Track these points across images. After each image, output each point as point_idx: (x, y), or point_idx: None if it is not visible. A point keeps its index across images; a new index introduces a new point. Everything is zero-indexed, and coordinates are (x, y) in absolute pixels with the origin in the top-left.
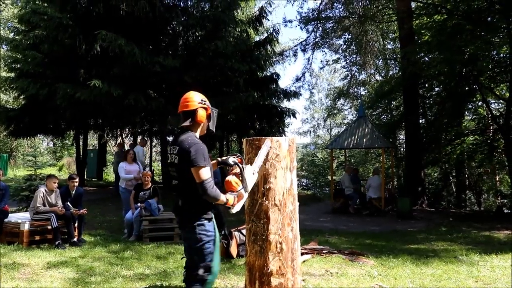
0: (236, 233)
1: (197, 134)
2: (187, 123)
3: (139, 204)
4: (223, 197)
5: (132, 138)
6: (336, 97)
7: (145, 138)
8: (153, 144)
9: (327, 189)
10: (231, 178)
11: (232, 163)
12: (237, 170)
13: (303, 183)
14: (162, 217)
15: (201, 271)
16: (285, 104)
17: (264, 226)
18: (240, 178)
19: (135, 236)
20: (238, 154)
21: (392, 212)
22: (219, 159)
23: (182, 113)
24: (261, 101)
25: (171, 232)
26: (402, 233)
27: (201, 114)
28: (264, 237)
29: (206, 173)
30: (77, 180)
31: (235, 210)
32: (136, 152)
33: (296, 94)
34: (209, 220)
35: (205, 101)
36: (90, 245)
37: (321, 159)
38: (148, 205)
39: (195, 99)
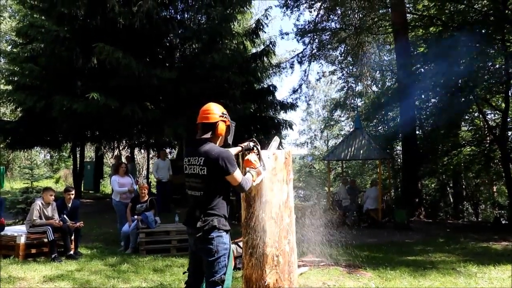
0: (233, 246)
1: (217, 145)
2: (208, 135)
3: (135, 217)
4: (251, 180)
5: (129, 150)
6: (333, 109)
7: (164, 149)
8: (150, 156)
9: (324, 200)
10: (251, 157)
11: (252, 146)
12: (255, 150)
13: (300, 195)
14: (159, 229)
15: (215, 285)
16: (282, 115)
17: (260, 239)
18: (258, 157)
19: (132, 249)
20: (253, 139)
21: (390, 223)
22: (242, 145)
23: (201, 124)
24: (258, 113)
25: (168, 244)
26: (399, 244)
27: (222, 127)
28: (261, 250)
29: (240, 175)
30: (73, 192)
31: (255, 183)
32: (156, 165)
33: (292, 106)
34: (227, 232)
35: (225, 114)
36: (87, 258)
37: (318, 170)
38: (145, 217)
39: (216, 111)
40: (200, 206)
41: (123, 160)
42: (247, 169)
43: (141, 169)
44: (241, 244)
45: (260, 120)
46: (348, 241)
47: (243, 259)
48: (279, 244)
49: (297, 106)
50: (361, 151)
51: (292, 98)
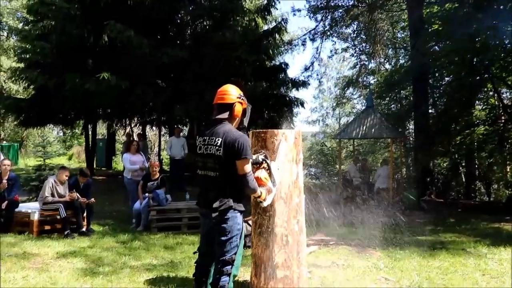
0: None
1: (233, 126)
2: (225, 115)
3: (147, 194)
4: (259, 190)
5: (140, 128)
6: (345, 86)
7: (179, 127)
8: (162, 133)
9: (335, 178)
10: (260, 174)
11: (262, 160)
12: (265, 165)
13: (311, 173)
14: (169, 207)
15: (225, 264)
16: (294, 93)
17: (270, 219)
18: (268, 173)
19: (143, 226)
20: (262, 151)
21: (400, 203)
22: (250, 159)
23: (217, 105)
24: (269, 91)
25: (179, 222)
26: (409, 224)
27: (238, 109)
28: (270, 230)
29: (249, 167)
30: (88, 177)
31: (266, 203)
32: (170, 143)
33: (304, 84)
34: (241, 213)
35: (242, 96)
36: (99, 235)
37: (330, 149)
38: (156, 195)
39: (233, 93)
40: (216, 187)
41: (135, 137)
42: (260, 188)
43: (153, 147)
44: (250, 222)
45: (271, 98)
46: (357, 220)
47: (252, 238)
48: (288, 224)
49: (309, 84)
50: (373, 130)
51: (304, 76)
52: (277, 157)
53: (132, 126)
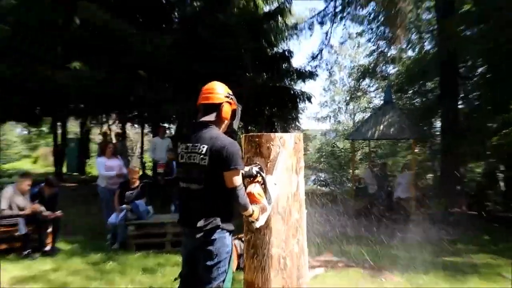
0: (236, 242)
1: (221, 131)
2: (211, 117)
3: (124, 206)
4: (251, 208)
5: (120, 125)
6: (360, 77)
7: (164, 125)
8: (145, 132)
9: (349, 185)
10: (254, 189)
11: (256, 173)
12: (259, 179)
13: (321, 178)
14: (151, 221)
15: None
16: (300, 86)
17: (265, 238)
18: (263, 188)
19: (120, 244)
20: (257, 162)
21: (424, 215)
22: (242, 171)
23: (202, 106)
24: (271, 83)
25: (162, 238)
26: (435, 242)
27: (227, 110)
28: (265, 251)
29: (239, 179)
30: (56, 188)
31: (259, 224)
32: (154, 144)
33: (312, 75)
34: (230, 232)
35: (231, 95)
36: (66, 254)
37: (342, 150)
38: (135, 207)
39: (220, 91)
40: (201, 202)
41: (112, 137)
42: (252, 205)
43: (134, 148)
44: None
45: (273, 92)
46: (373, 236)
47: (244, 260)
48: (287, 244)
49: (317, 75)
50: (392, 129)
51: (311, 66)
52: (275, 169)
53: (110, 123)
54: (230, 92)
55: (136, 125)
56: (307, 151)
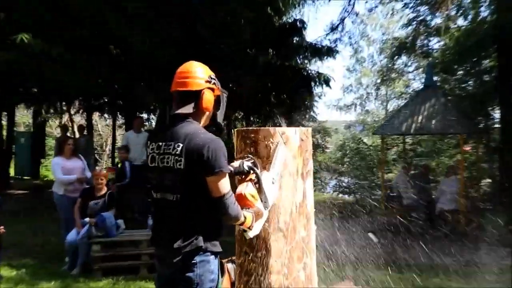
0: (229, 265)
1: (201, 125)
2: (188, 109)
3: (87, 219)
4: (242, 215)
5: (85, 115)
6: (395, 54)
7: (141, 116)
8: (118, 123)
9: (378, 192)
10: (246, 189)
11: (248, 169)
12: (252, 177)
13: (343, 184)
14: (122, 238)
15: None
16: (316, 66)
17: (262, 262)
18: (257, 188)
19: (81, 267)
20: (249, 155)
21: (479, 233)
22: (230, 167)
23: (178, 93)
24: (277, 62)
25: (136, 261)
26: (491, 268)
27: (208, 98)
28: (261, 279)
29: (227, 184)
30: None
31: (252, 233)
32: (126, 140)
33: (330, 51)
34: (216, 255)
35: (214, 79)
36: (10, 283)
37: (371, 148)
38: (101, 220)
39: (199, 75)
40: (178, 217)
41: (75, 131)
42: (243, 210)
43: (104, 144)
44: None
45: (281, 73)
46: (407, 260)
47: None
48: (290, 270)
49: (337, 52)
50: (434, 121)
51: (329, 40)
52: (273, 164)
53: (72, 113)
54: (213, 75)
55: (106, 116)
56: (325, 148)
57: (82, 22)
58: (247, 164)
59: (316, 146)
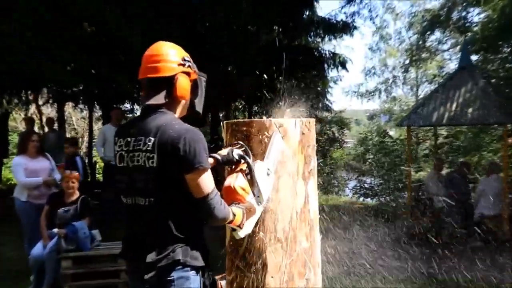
0: (223, 283)
1: (177, 116)
2: (159, 99)
3: (56, 230)
4: (231, 212)
5: (56, 106)
6: (426, 30)
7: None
8: (95, 116)
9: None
10: (236, 182)
11: (238, 158)
12: (244, 167)
13: (365, 185)
14: (97, 252)
15: None
16: (330, 45)
17: (257, 278)
18: (249, 180)
19: (49, 287)
20: (240, 142)
21: None
22: (217, 155)
23: (148, 81)
24: (284, 42)
25: (114, 279)
26: None
27: (183, 84)
28: None
29: (210, 182)
30: None
31: (243, 233)
32: (103, 135)
33: (347, 27)
34: (197, 270)
35: (188, 61)
36: None
37: (398, 141)
38: (71, 231)
39: (172, 57)
40: (150, 225)
41: (44, 125)
42: (232, 205)
43: (80, 141)
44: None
45: (288, 54)
46: (439, 275)
47: None
48: (290, 285)
49: (355, 28)
50: (471, 110)
51: (345, 13)
52: (268, 154)
53: (41, 104)
54: (187, 57)
55: (81, 107)
56: (343, 143)
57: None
58: (237, 152)
59: (332, 141)
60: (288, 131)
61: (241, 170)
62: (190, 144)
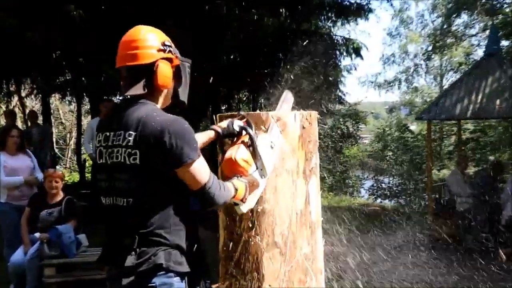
0: None
1: (159, 106)
2: (138, 88)
3: (38, 235)
4: (233, 191)
5: (40, 97)
6: (452, 12)
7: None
8: (84, 109)
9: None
10: (237, 153)
11: (239, 130)
12: (246, 139)
13: (383, 185)
14: (83, 259)
15: None
16: (344, 30)
17: (253, 286)
18: (252, 152)
19: None
20: (241, 113)
21: None
22: (217, 128)
23: (126, 69)
24: (292, 26)
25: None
26: None
27: (165, 71)
28: None
29: (205, 169)
30: None
31: (246, 207)
32: (91, 130)
33: (361, 10)
34: (182, 276)
35: (169, 46)
36: None
37: (419, 137)
38: (55, 236)
39: (150, 43)
40: (131, 226)
41: (26, 119)
42: (234, 178)
43: (68, 136)
44: None
45: (295, 40)
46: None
47: None
48: None
49: (371, 11)
50: (498, 102)
51: None
52: (271, 128)
53: (23, 96)
54: (168, 41)
55: (69, 99)
56: (358, 138)
57: None
58: (237, 123)
59: (346, 136)
60: (287, 125)
61: (243, 142)
62: (175, 136)
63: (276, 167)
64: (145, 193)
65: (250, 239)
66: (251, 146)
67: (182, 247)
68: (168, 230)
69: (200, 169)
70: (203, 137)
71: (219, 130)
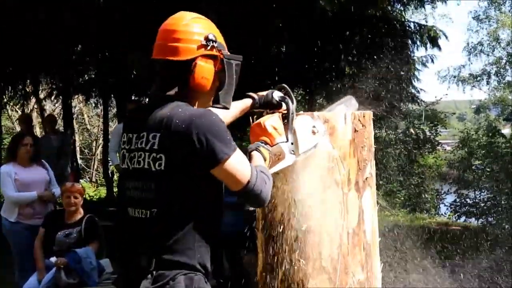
0: None
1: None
2: (170, 87)
3: (54, 259)
4: (266, 171)
5: (61, 99)
6: None
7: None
8: (111, 113)
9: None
10: (268, 120)
11: (278, 100)
12: (283, 110)
13: (468, 200)
14: (107, 287)
15: None
16: (417, 15)
17: None
18: (285, 124)
19: None
20: (284, 85)
21: None
22: (255, 95)
23: (162, 64)
24: (355, 11)
25: None
26: None
27: (203, 71)
28: None
29: (245, 164)
30: None
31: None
32: (116, 136)
33: None
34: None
35: (214, 41)
36: None
37: None
38: (74, 260)
39: (193, 36)
40: (150, 242)
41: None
42: (256, 143)
43: (94, 144)
44: None
45: (357, 27)
46: None
47: None
48: None
49: None
50: None
51: None
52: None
53: (42, 97)
54: (213, 34)
55: (94, 101)
56: (436, 143)
57: None
58: (277, 94)
59: (421, 142)
60: (336, 128)
61: (280, 112)
62: (204, 132)
63: (323, 175)
64: (170, 203)
65: (294, 263)
66: (287, 118)
67: (208, 270)
68: (192, 249)
69: (239, 165)
70: (239, 104)
71: (256, 97)
